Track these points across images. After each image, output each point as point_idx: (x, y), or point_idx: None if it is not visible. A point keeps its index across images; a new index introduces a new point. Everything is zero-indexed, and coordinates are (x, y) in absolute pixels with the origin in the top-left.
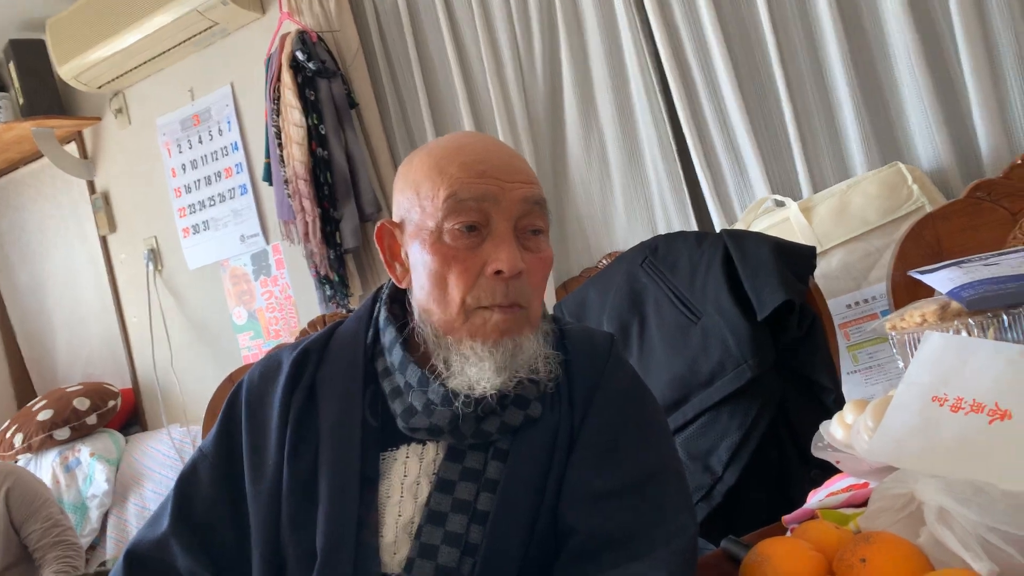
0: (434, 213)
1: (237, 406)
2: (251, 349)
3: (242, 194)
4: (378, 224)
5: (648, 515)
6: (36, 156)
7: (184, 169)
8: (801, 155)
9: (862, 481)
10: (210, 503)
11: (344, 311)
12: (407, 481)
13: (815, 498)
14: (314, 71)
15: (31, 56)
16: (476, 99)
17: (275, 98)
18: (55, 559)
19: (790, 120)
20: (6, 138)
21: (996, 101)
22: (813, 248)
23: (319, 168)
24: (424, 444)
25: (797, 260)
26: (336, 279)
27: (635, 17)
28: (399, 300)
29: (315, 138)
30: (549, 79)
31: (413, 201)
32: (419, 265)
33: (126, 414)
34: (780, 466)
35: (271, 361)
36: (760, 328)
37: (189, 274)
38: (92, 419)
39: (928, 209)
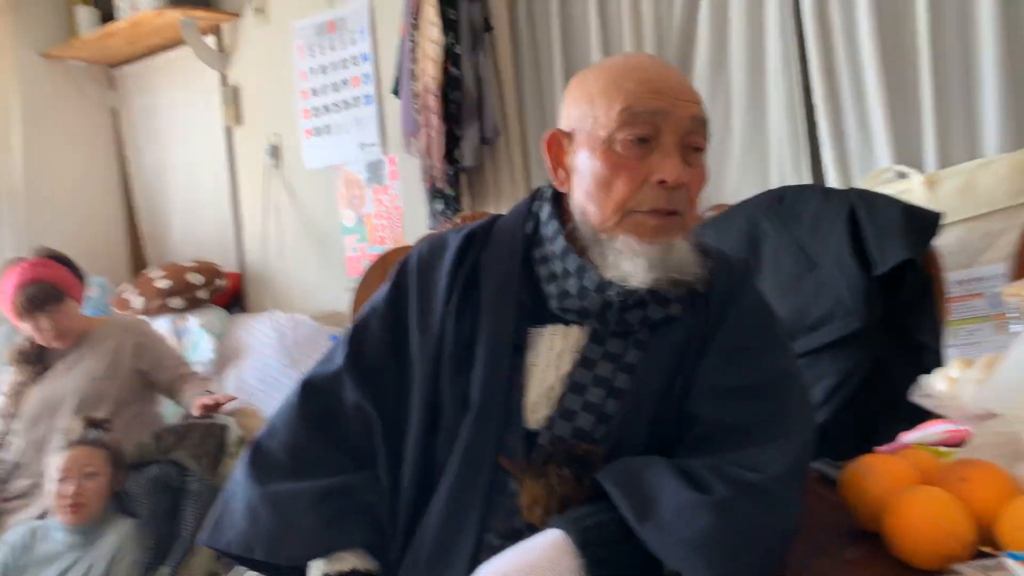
0: (607, 123)
1: (408, 272)
2: (355, 251)
3: (366, 104)
4: (548, 132)
5: (770, 412)
6: (176, 44)
7: (313, 73)
8: (933, 127)
9: (960, 427)
10: (378, 349)
11: (452, 224)
12: (552, 354)
13: (908, 437)
14: None
15: None
16: (609, 34)
17: (415, 12)
18: (190, 388)
19: (928, 90)
20: (154, 24)
21: None
22: (939, 214)
23: (449, 86)
24: (569, 325)
25: (923, 224)
26: (451, 194)
27: None
28: (557, 202)
29: (449, 56)
30: (685, 19)
31: (586, 112)
32: (585, 170)
33: (230, 295)
34: (869, 414)
35: (438, 240)
36: (874, 283)
37: (306, 173)
38: (203, 294)
39: None
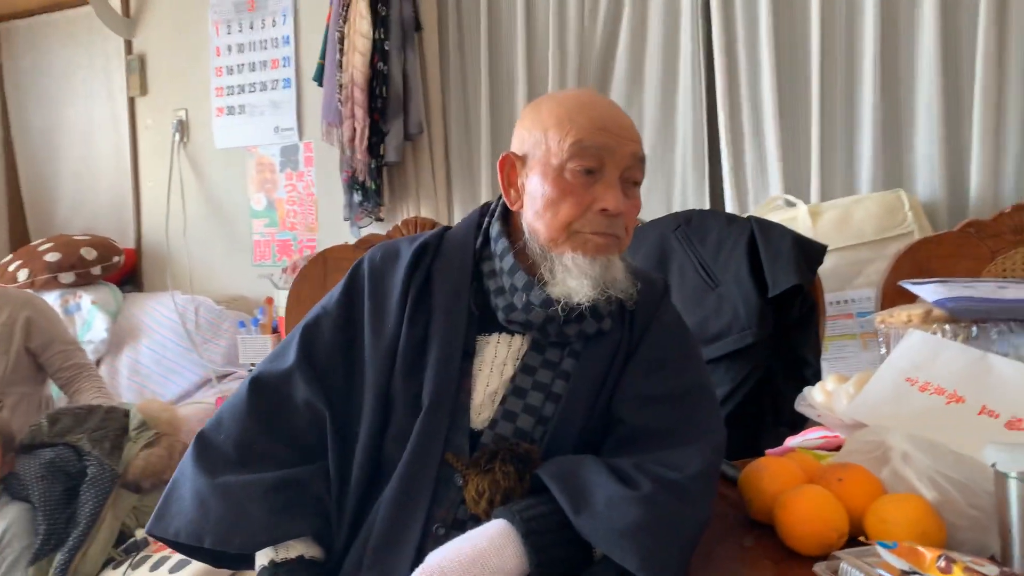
0: (559, 153)
1: (360, 278)
2: (263, 235)
3: (284, 87)
4: (503, 155)
5: (686, 418)
6: (77, 3)
7: (230, 50)
8: (818, 165)
9: (834, 434)
10: (329, 350)
11: (373, 219)
12: (496, 361)
13: (792, 441)
14: None
15: None
16: (534, 44)
17: (344, 4)
18: (89, 387)
19: (816, 132)
20: None
21: (994, 154)
22: (825, 246)
23: (377, 81)
24: (512, 335)
25: (810, 254)
26: (372, 187)
27: (698, 8)
28: (505, 219)
29: (378, 51)
30: (606, 40)
31: (540, 140)
32: (537, 193)
33: (124, 272)
34: (755, 421)
35: (390, 247)
36: (767, 304)
37: (215, 152)
38: (96, 270)
39: (917, 235)
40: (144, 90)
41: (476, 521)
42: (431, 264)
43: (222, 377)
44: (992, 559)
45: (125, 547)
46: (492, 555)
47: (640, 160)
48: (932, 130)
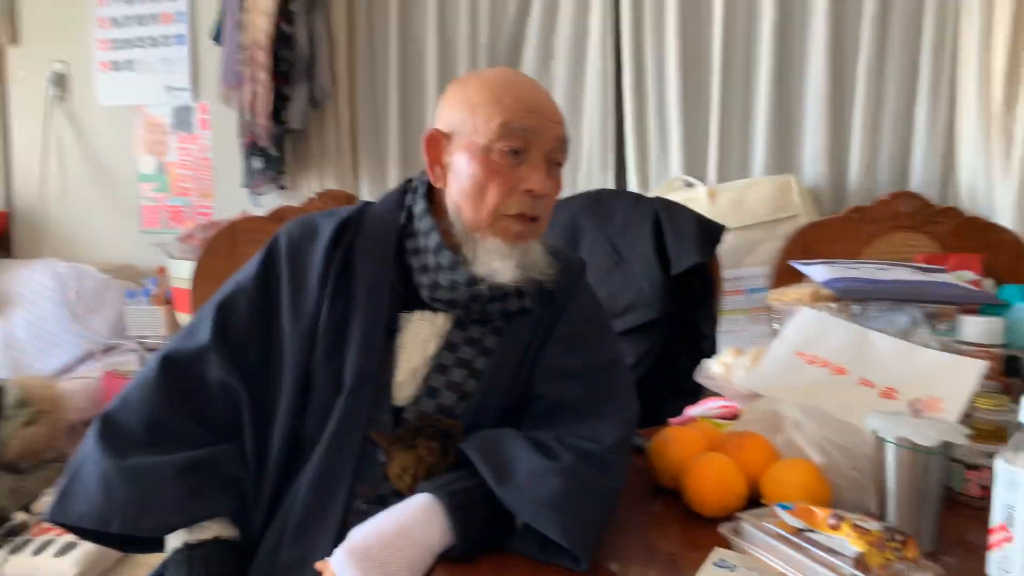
0: (487, 133)
1: (277, 254)
2: (152, 201)
3: (178, 44)
4: (428, 131)
5: (601, 391)
6: None
7: (115, 0)
8: (717, 148)
9: (732, 403)
10: (245, 328)
11: (275, 186)
12: (419, 338)
13: (693, 411)
14: None
15: None
16: (445, 16)
17: None
18: None
19: (715, 118)
20: None
21: (872, 146)
22: (724, 226)
23: (281, 43)
24: (436, 312)
25: (711, 234)
26: (275, 155)
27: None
28: (429, 197)
29: (283, 13)
30: (518, 17)
31: (467, 118)
32: (462, 172)
33: None
34: (656, 392)
35: (308, 222)
36: (669, 280)
37: (98, 110)
38: None
39: (804, 218)
40: (14, 39)
41: (398, 496)
42: (352, 241)
43: (107, 350)
44: (870, 515)
45: (3, 531)
46: (416, 528)
47: (564, 142)
48: (818, 123)
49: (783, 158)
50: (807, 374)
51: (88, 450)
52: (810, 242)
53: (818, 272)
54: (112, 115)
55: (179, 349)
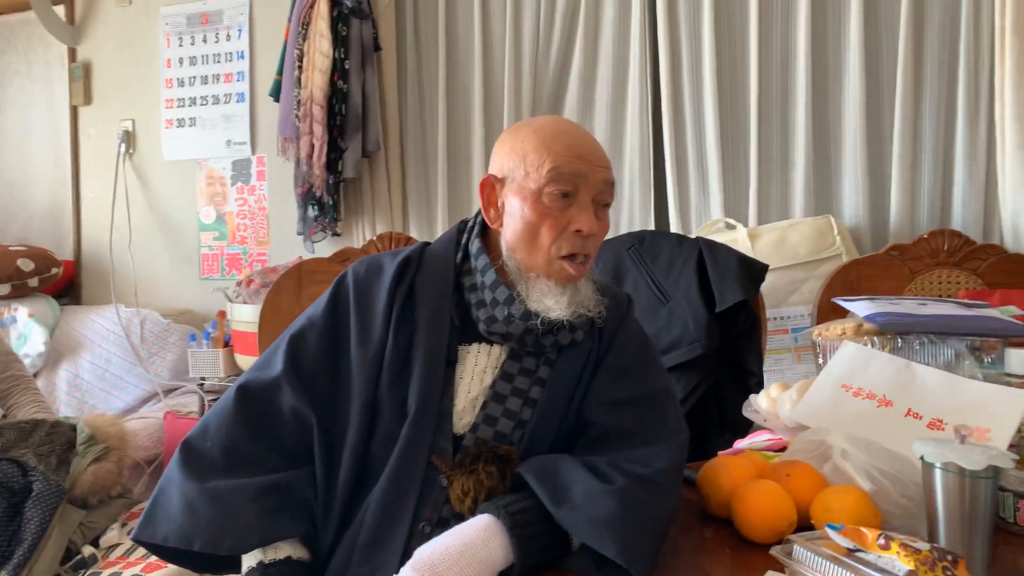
0: (538, 178)
1: (345, 290)
2: (212, 249)
3: (238, 101)
4: (484, 177)
5: (651, 420)
6: (20, 8)
7: (181, 63)
8: (756, 191)
9: (778, 436)
10: (315, 359)
11: (328, 233)
12: (476, 369)
13: (741, 444)
14: (350, 9)
15: None
16: (490, 68)
17: (304, 23)
18: (27, 400)
19: (754, 161)
20: None
21: (911, 185)
22: (767, 265)
23: (336, 99)
24: (492, 345)
25: (754, 272)
26: (330, 202)
27: (646, 39)
28: (483, 236)
29: (338, 70)
30: (559, 69)
31: (519, 164)
32: (516, 214)
33: (61, 284)
34: (704, 427)
35: (373, 261)
36: (715, 318)
37: (163, 164)
38: (34, 282)
39: (845, 257)
40: (88, 99)
41: (459, 519)
42: (414, 278)
43: (169, 391)
44: (920, 537)
45: (72, 564)
46: (480, 547)
47: (610, 185)
48: (856, 162)
49: (822, 199)
50: (853, 406)
51: (171, 474)
52: (852, 280)
53: (861, 307)
54: (176, 169)
55: (254, 380)
